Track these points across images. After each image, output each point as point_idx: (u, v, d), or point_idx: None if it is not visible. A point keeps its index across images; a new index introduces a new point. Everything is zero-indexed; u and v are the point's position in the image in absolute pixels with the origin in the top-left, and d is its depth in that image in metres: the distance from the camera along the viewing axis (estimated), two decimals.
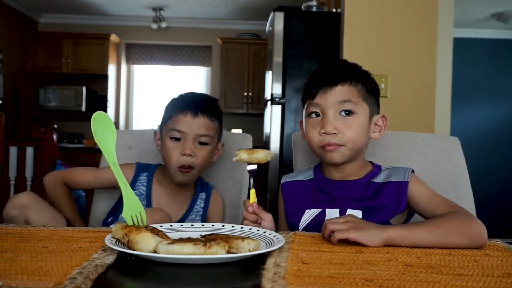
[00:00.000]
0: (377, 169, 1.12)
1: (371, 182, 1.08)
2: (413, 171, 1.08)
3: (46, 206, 1.13)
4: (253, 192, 0.98)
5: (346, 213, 1.04)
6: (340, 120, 1.04)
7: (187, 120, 1.20)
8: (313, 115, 1.07)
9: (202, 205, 1.29)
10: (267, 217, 0.98)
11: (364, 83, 1.09)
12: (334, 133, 1.03)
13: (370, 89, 1.10)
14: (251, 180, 0.99)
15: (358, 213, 1.03)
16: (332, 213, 1.05)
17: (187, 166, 1.20)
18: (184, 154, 1.19)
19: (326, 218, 1.04)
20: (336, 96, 1.04)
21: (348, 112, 1.05)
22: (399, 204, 1.03)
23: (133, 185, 1.28)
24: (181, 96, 1.29)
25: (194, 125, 1.20)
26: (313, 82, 1.09)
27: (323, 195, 1.10)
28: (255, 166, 0.98)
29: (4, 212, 1.07)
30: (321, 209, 1.07)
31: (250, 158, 0.96)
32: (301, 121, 1.17)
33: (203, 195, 1.31)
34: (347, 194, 1.08)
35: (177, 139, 1.21)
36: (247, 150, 0.97)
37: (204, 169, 1.27)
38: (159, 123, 1.30)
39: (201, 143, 1.22)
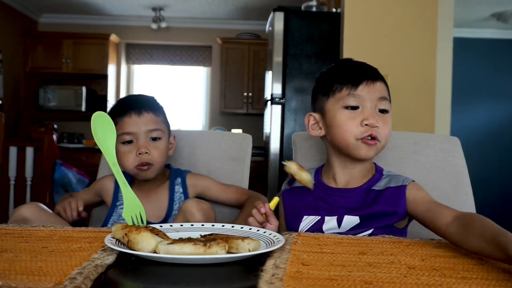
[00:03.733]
0: (379, 174, 1.08)
1: (370, 190, 1.06)
2: (413, 181, 1.05)
3: (49, 216, 1.12)
4: (276, 200, 1.00)
5: (343, 220, 1.02)
6: (379, 115, 1.03)
7: (133, 120, 1.21)
8: (350, 108, 1.04)
9: (181, 190, 1.30)
10: (274, 222, 0.97)
11: (387, 86, 1.10)
12: (376, 126, 1.02)
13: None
14: (283, 188, 1.06)
15: (356, 220, 1.02)
16: (330, 220, 1.04)
17: (145, 163, 1.21)
18: (140, 154, 1.21)
19: (324, 225, 1.04)
20: (377, 92, 1.04)
21: (384, 111, 1.04)
22: (397, 209, 1.00)
23: (115, 195, 1.30)
24: (119, 101, 1.31)
25: (141, 123, 1.22)
26: (353, 73, 1.06)
27: (322, 203, 1.07)
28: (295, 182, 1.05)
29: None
30: (320, 217, 1.06)
31: (296, 173, 1.00)
32: (310, 115, 1.12)
33: (178, 180, 1.32)
34: (345, 202, 1.05)
35: (129, 142, 1.22)
36: (298, 166, 1.01)
37: (163, 164, 1.28)
38: None
39: (154, 139, 1.23)
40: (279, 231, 1.16)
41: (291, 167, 1.00)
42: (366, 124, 1.01)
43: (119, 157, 1.23)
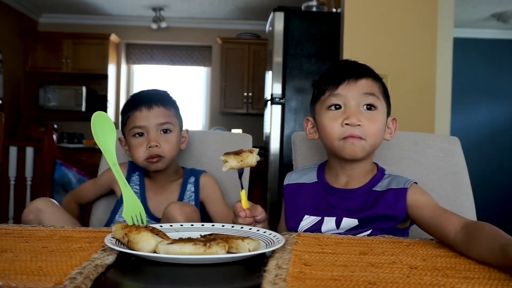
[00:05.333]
0: (380, 174, 1.07)
1: (372, 191, 1.04)
2: (415, 183, 1.04)
3: (60, 210, 1.16)
4: (243, 193, 0.96)
5: (342, 222, 1.02)
6: (363, 113, 1.01)
7: (144, 114, 1.24)
8: (333, 108, 1.03)
9: (193, 189, 1.31)
10: (258, 210, 0.97)
11: (382, 83, 1.08)
12: (359, 125, 0.99)
13: (386, 90, 1.09)
14: (241, 181, 0.98)
15: (354, 222, 1.01)
16: (329, 221, 1.03)
17: (155, 156, 1.23)
18: (150, 147, 1.23)
19: (323, 226, 1.03)
20: (360, 88, 1.02)
21: (370, 106, 1.02)
22: (396, 213, 0.99)
23: None
24: (131, 96, 1.33)
25: (152, 116, 1.24)
26: (336, 73, 1.06)
27: (324, 204, 1.07)
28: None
29: (22, 216, 1.11)
30: (320, 217, 1.05)
31: (241, 165, 0.92)
32: (307, 119, 1.13)
33: (192, 179, 1.33)
34: (346, 204, 1.05)
35: (140, 135, 1.25)
36: (235, 157, 0.92)
37: (174, 157, 1.30)
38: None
39: (164, 132, 1.25)
40: (279, 228, 1.16)
41: (232, 165, 0.92)
42: (347, 124, 1.00)
43: (130, 150, 1.27)
